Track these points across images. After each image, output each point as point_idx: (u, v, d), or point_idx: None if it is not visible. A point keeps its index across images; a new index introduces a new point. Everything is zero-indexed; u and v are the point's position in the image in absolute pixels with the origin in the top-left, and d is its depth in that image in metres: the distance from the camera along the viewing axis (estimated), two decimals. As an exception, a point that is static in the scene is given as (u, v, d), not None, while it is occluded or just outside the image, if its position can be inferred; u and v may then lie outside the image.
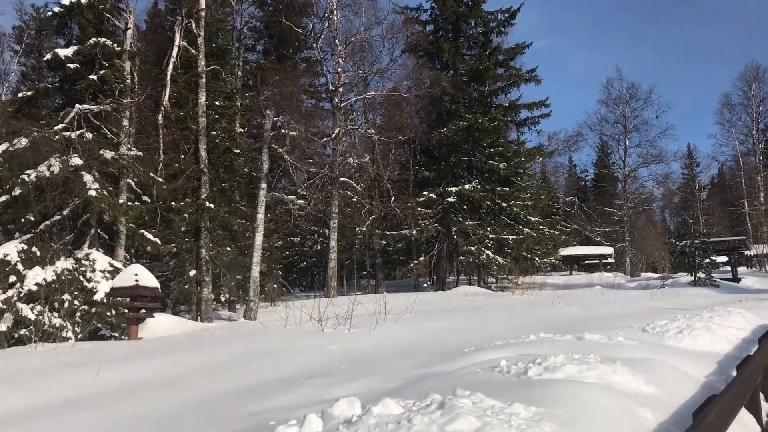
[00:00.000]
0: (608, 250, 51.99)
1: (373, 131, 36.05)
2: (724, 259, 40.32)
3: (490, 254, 31.44)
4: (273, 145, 22.98)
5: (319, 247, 43.43)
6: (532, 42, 35.54)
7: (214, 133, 21.85)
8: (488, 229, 32.64)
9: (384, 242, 36.32)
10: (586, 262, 55.55)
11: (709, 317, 9.59)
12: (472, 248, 31.65)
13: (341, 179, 30.60)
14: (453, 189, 32.59)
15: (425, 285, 33.25)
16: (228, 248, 20.95)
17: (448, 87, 33.74)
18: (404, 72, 38.01)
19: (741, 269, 48.95)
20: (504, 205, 33.36)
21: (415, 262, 32.92)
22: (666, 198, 78.20)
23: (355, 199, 32.65)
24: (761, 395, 6.29)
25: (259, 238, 21.01)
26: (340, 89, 30.89)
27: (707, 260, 29.77)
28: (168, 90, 20.12)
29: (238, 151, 22.80)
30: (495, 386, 4.04)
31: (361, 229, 34.71)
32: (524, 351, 5.93)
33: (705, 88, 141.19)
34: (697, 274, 29.91)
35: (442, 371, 5.43)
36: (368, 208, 34.70)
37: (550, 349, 5.88)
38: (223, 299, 23.47)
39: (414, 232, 32.30)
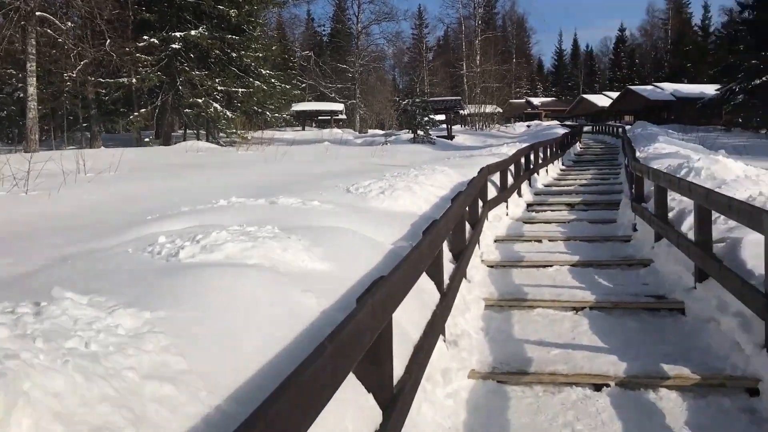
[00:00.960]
0: (339, 106, 53.01)
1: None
2: (441, 117, 43.38)
3: (219, 107, 29.79)
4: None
5: (22, 95, 37.58)
6: None
7: None
8: (217, 80, 30.67)
9: (102, 91, 32.41)
10: (319, 118, 56.28)
11: (415, 176, 9.71)
12: (199, 100, 29.66)
13: (39, 13, 25.88)
14: (178, 34, 29.68)
15: (147, 139, 30.71)
16: None
17: None
18: None
19: (456, 128, 53.50)
20: (234, 55, 31.40)
21: (136, 114, 30.04)
22: (397, 57, 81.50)
23: (60, 40, 28.11)
24: (450, 256, 6.33)
25: None
26: None
27: (426, 119, 31.55)
28: None
29: None
30: (129, 276, 3.19)
31: (70, 74, 30.43)
32: (201, 221, 5.12)
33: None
34: (417, 132, 31.72)
35: (93, 249, 4.43)
36: (78, 51, 30.35)
37: (232, 218, 5.17)
38: None
39: (134, 80, 29.15)
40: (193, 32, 29.49)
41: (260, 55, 32.32)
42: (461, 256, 6.34)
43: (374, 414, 2.67)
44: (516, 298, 6.58)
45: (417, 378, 3.48)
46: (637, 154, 15.10)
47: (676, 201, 8.26)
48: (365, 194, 7.59)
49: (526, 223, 11.58)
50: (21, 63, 30.50)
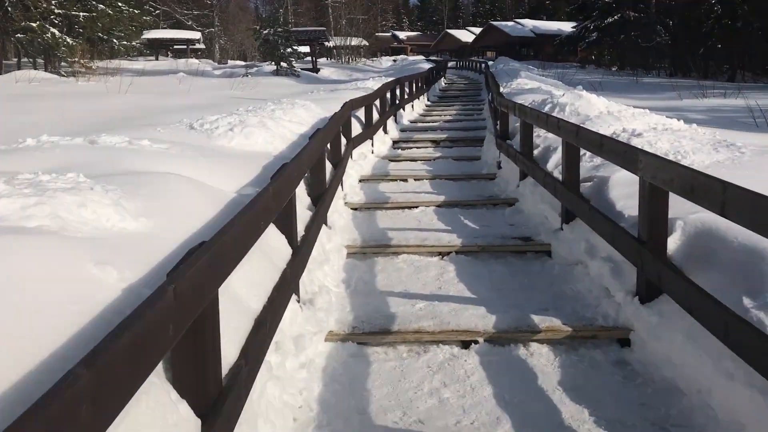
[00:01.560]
0: (196, 34, 49.73)
1: None
2: (306, 49, 41.88)
3: (57, 33, 26.68)
4: None
5: None
6: None
7: None
8: (53, 2, 27.36)
9: None
10: (175, 47, 52.64)
11: (272, 110, 8.86)
12: (33, 24, 26.39)
13: None
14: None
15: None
16: None
17: None
18: None
19: (322, 60, 52.07)
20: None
21: (-44, 38, 26.31)
22: (259, -16, 77.51)
23: None
24: (308, 202, 5.69)
25: None
26: None
27: (290, 50, 30.17)
28: None
29: None
30: None
31: None
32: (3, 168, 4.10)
33: None
34: (280, 64, 30.30)
35: None
36: None
37: (39, 162, 4.19)
38: None
39: (-50, -1, 25.33)
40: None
41: (103, -26, 29.14)
42: (321, 200, 5.72)
43: (190, 426, 2.03)
44: (380, 244, 6.10)
45: (258, 360, 2.86)
46: (501, 89, 15.02)
47: (542, 138, 8.05)
48: (211, 131, 6.69)
49: (392, 161, 11.15)
50: None
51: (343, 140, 9.32)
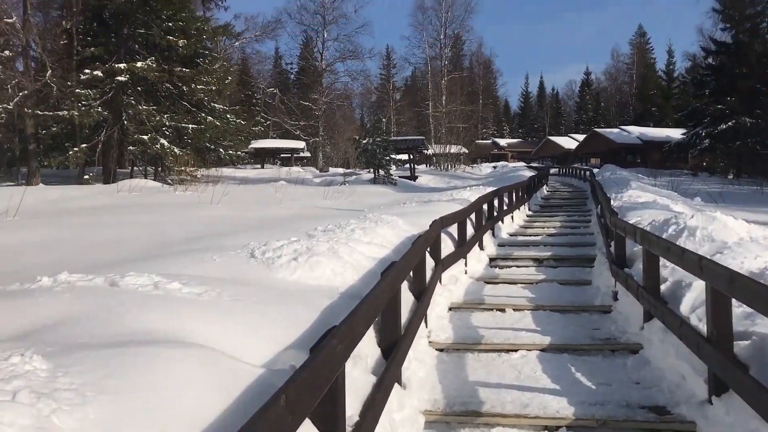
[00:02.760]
0: (300, 143, 51.35)
1: (23, -15, 29.24)
2: (405, 157, 42.01)
3: (166, 143, 27.81)
4: None
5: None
6: None
7: None
8: (166, 115, 28.75)
9: (42, 125, 30.27)
10: (282, 156, 54.58)
11: (351, 230, 7.95)
12: (145, 137, 27.68)
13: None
14: (122, 66, 27.82)
15: (87, 177, 28.51)
16: None
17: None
18: None
19: (421, 167, 52.31)
20: (185, 89, 29.59)
21: (76, 149, 27.86)
22: (363, 96, 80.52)
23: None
24: (378, 355, 4.55)
25: None
26: None
27: (387, 158, 30.04)
28: None
29: None
30: None
31: (5, 106, 28.29)
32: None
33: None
34: (378, 172, 30.16)
35: None
36: (17, 83, 28.37)
37: (32, 313, 3.37)
38: None
39: (75, 114, 27.01)
40: (139, 64, 27.66)
41: (213, 88, 30.53)
42: (393, 352, 4.58)
43: None
44: (468, 410, 4.81)
45: None
46: (612, 202, 13.62)
47: (669, 269, 6.63)
48: (272, 261, 5.77)
49: (487, 283, 9.90)
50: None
51: (431, 262, 8.27)
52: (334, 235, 7.31)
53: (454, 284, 9.09)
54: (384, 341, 4.78)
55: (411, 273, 6.60)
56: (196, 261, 5.57)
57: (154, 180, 29.22)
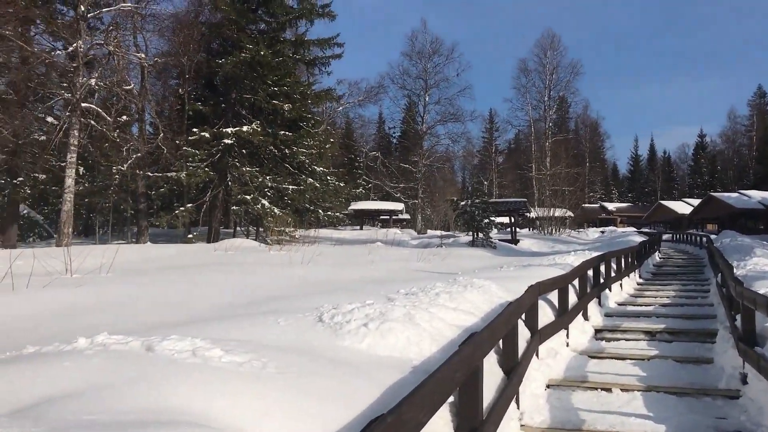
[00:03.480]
0: (399, 206, 51.38)
1: (142, 55, 31.28)
2: (506, 220, 40.91)
3: (267, 204, 28.31)
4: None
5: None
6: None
7: None
8: (268, 177, 29.42)
9: (151, 185, 31.77)
10: (381, 217, 54.80)
11: (436, 294, 7.24)
12: (248, 197, 28.34)
13: (85, 105, 25.46)
14: (230, 130, 28.87)
15: (191, 236, 29.38)
16: None
17: (231, 12, 29.68)
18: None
19: (524, 231, 50.83)
20: (288, 151, 30.25)
21: (182, 209, 28.90)
22: (465, 159, 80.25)
23: (110, 131, 27.50)
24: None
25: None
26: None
27: (486, 220, 29.15)
28: None
29: None
30: None
31: (120, 168, 29.94)
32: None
33: (506, 51, 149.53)
34: (476, 234, 29.29)
35: None
36: (131, 146, 30.04)
37: (53, 376, 2.94)
38: None
39: (183, 175, 28.10)
40: (245, 128, 28.60)
41: (315, 152, 31.06)
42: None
43: None
44: None
45: None
46: (735, 271, 12.17)
47: (816, 351, 5.48)
48: (340, 326, 5.16)
49: (592, 358, 8.84)
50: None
51: (526, 332, 7.40)
52: (416, 299, 6.62)
53: (552, 358, 8.14)
54: (461, 429, 4.01)
55: (500, 344, 5.83)
56: (257, 324, 5.06)
57: (255, 239, 29.73)
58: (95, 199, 33.31)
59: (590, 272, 12.38)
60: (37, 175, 31.03)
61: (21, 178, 31.32)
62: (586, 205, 78.60)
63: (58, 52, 25.14)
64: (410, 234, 41.63)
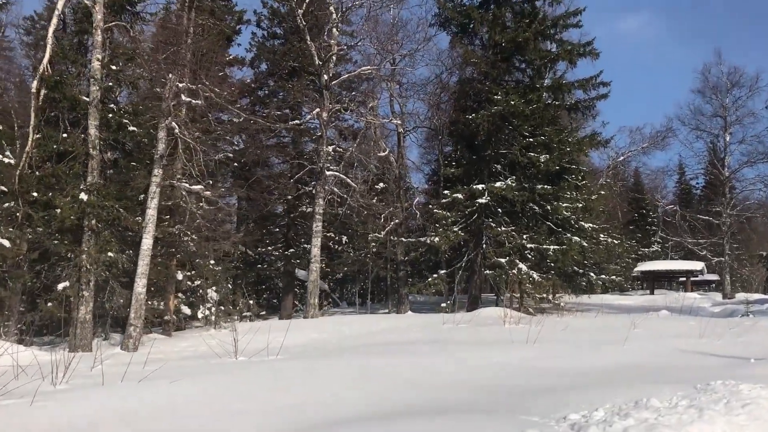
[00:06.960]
0: (697, 265, 43.38)
1: (398, 121, 30.97)
2: None
3: (524, 268, 24.94)
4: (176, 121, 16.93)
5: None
6: (585, 7, 28.24)
7: (112, 106, 17.11)
8: (525, 236, 26.12)
9: (405, 252, 30.62)
10: (680, 279, 47.12)
11: (714, 402, 3.58)
12: (502, 260, 25.34)
13: (330, 173, 25.12)
14: (481, 187, 26.45)
15: (444, 305, 27.09)
16: (111, 253, 15.87)
17: (482, 64, 27.65)
18: (434, 52, 32.78)
19: None
20: (549, 207, 26.68)
21: (434, 275, 26.93)
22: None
23: (363, 198, 26.97)
24: None
25: (147, 241, 16.08)
26: (331, 64, 25.45)
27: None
28: (49, 50, 15.72)
29: (134, 128, 17.51)
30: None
31: (377, 236, 29.31)
32: None
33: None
34: (802, 299, 22.22)
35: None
36: (389, 212, 29.41)
37: None
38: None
39: (436, 239, 26.17)
40: (498, 184, 25.97)
41: (579, 206, 27.02)
42: None
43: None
44: None
45: None
46: None
47: None
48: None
49: None
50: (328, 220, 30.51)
51: None
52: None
53: None
54: None
55: None
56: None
57: (518, 309, 26.39)
58: (353, 268, 33.37)
59: None
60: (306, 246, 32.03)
61: (293, 249, 32.68)
62: None
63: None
64: (712, 299, 34.31)
